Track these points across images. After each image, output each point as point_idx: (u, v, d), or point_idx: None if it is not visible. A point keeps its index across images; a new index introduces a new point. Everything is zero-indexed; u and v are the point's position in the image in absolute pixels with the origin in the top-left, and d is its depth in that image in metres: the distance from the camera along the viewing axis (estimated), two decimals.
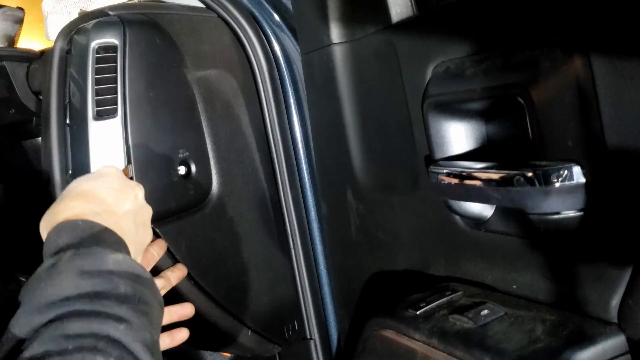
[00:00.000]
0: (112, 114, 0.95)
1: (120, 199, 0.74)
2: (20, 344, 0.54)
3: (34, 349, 0.53)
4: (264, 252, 1.22)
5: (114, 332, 0.56)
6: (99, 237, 0.66)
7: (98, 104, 0.95)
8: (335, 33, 1.06)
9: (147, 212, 0.81)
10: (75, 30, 1.02)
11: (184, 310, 0.97)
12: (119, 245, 0.68)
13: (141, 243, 0.78)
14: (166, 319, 0.95)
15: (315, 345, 1.28)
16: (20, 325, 0.56)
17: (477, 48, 0.80)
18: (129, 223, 0.74)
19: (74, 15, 1.20)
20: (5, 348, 0.55)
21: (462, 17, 0.83)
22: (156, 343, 0.61)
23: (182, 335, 0.95)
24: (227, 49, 1.21)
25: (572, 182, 0.68)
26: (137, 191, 0.79)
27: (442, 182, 0.85)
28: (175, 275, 0.97)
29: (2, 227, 1.25)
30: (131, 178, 0.94)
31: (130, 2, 1.17)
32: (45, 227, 0.68)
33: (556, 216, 0.71)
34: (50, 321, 0.55)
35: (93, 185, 0.74)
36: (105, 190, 0.74)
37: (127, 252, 0.70)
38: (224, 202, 1.12)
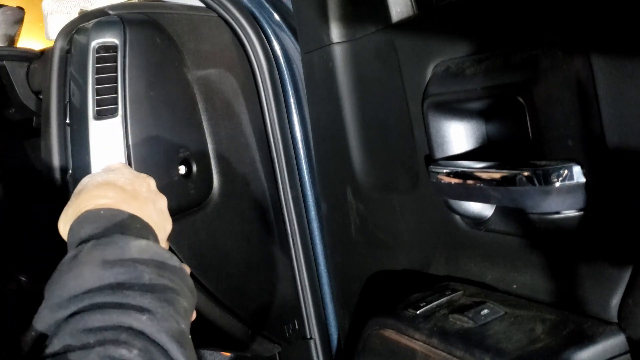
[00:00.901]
0: (112, 113, 0.95)
1: (137, 187, 0.73)
2: (43, 340, 0.53)
3: (55, 345, 0.52)
4: (264, 251, 1.22)
5: (137, 323, 0.54)
6: (123, 225, 0.64)
7: (98, 103, 0.95)
8: (336, 33, 1.06)
9: (164, 199, 0.79)
10: (75, 30, 1.02)
11: None
12: (145, 231, 0.66)
13: (164, 229, 0.76)
14: None
15: (315, 345, 1.28)
16: (42, 321, 0.55)
17: (477, 47, 0.80)
18: (151, 208, 0.72)
19: (74, 14, 1.20)
20: (28, 345, 0.54)
21: (462, 17, 0.83)
22: (184, 332, 0.59)
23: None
24: (227, 48, 1.21)
25: (572, 181, 0.68)
26: (149, 180, 0.79)
27: (442, 181, 0.85)
28: None
29: (2, 227, 1.25)
30: None
31: (130, 1, 1.17)
32: (67, 221, 0.66)
33: (556, 216, 0.71)
34: (72, 315, 0.54)
35: (108, 177, 0.73)
36: (122, 179, 0.73)
37: (155, 237, 0.68)
38: (224, 201, 1.12)
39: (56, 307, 0.55)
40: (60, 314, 0.54)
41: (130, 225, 0.65)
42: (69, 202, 0.69)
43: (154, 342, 0.54)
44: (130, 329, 0.53)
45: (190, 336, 0.60)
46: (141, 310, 0.56)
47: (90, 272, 0.57)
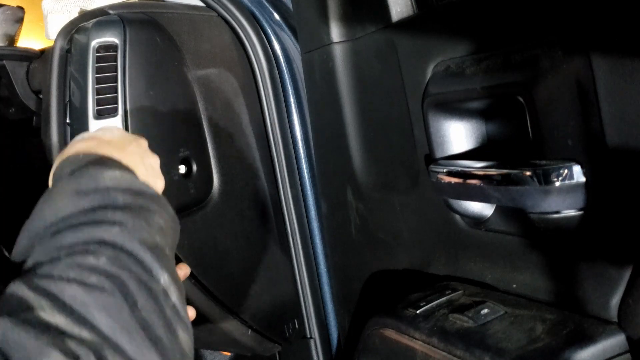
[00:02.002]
0: (112, 113, 0.95)
1: (125, 142, 0.71)
2: (19, 266, 0.53)
3: (27, 263, 0.52)
4: (264, 251, 1.22)
5: (107, 235, 0.53)
6: (101, 162, 0.63)
7: (98, 103, 0.95)
8: (336, 32, 1.06)
9: (155, 158, 0.76)
10: (75, 29, 1.02)
11: None
12: (121, 167, 0.64)
13: (154, 184, 0.72)
14: None
15: (316, 344, 1.28)
16: (18, 252, 0.55)
17: (477, 47, 0.80)
18: (136, 161, 0.70)
19: (74, 14, 1.20)
20: (3, 274, 0.54)
21: (462, 16, 0.83)
22: (159, 245, 0.57)
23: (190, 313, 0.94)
24: (227, 48, 1.21)
25: (572, 181, 0.68)
26: (141, 140, 0.76)
27: (442, 181, 0.85)
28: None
29: (2, 227, 1.25)
30: None
31: (130, 1, 1.17)
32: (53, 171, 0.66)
33: (556, 215, 0.71)
34: (46, 238, 0.54)
35: (96, 133, 0.72)
36: (109, 135, 0.71)
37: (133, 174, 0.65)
38: (224, 201, 1.12)
39: (33, 237, 0.55)
40: (35, 241, 0.54)
41: (108, 162, 0.63)
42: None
43: (124, 250, 0.53)
44: (100, 241, 0.53)
45: (170, 255, 0.59)
46: (112, 223, 0.55)
47: (66, 201, 0.57)
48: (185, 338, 0.54)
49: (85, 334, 0.46)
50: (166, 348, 0.51)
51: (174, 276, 0.57)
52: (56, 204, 0.57)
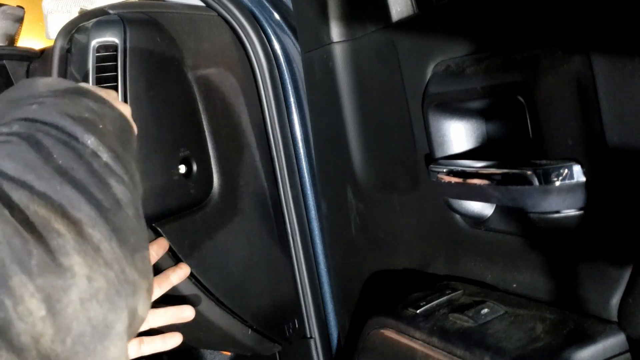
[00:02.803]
0: None
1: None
2: None
3: None
4: (264, 250, 1.22)
5: (24, 113, 0.50)
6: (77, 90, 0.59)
7: None
8: (336, 32, 1.06)
9: (127, 108, 0.72)
10: (75, 29, 1.02)
11: (182, 313, 0.96)
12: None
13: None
14: (165, 321, 0.95)
15: (316, 344, 1.28)
16: None
17: (477, 47, 0.80)
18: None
19: (74, 14, 1.20)
20: None
21: (462, 16, 0.83)
22: (90, 120, 0.53)
23: (174, 340, 0.94)
24: (227, 47, 1.21)
25: (572, 180, 0.68)
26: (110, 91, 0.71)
27: (442, 180, 0.85)
28: (176, 274, 0.97)
29: None
30: None
31: (130, 0, 1.17)
32: None
33: (556, 215, 0.71)
34: None
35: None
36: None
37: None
38: (224, 200, 1.12)
39: None
40: None
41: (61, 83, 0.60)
42: None
43: (40, 120, 0.49)
44: (17, 119, 0.50)
45: (112, 138, 0.54)
46: (30, 104, 0.52)
47: None
48: (121, 189, 0.50)
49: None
50: (87, 189, 0.47)
51: (108, 145, 0.52)
52: None
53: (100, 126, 0.54)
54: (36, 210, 0.42)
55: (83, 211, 0.45)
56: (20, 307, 0.38)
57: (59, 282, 0.40)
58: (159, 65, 1.03)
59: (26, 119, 0.50)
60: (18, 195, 0.42)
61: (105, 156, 0.50)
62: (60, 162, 0.46)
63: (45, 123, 0.49)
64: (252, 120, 1.22)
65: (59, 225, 0.42)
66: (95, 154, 0.50)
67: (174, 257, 1.01)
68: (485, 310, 0.78)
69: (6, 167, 0.44)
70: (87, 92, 0.58)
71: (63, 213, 0.43)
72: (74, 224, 0.44)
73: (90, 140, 0.50)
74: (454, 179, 0.83)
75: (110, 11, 1.02)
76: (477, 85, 0.79)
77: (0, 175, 0.43)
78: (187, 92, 1.08)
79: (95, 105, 0.56)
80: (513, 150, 0.82)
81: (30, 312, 0.38)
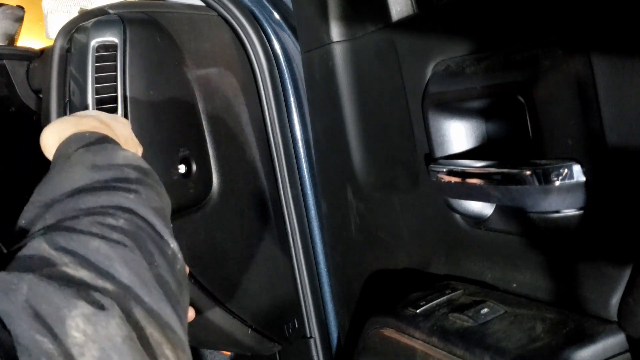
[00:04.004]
0: (111, 112, 0.95)
1: (111, 124, 0.76)
2: (25, 232, 0.54)
3: (47, 220, 0.53)
4: (264, 250, 1.22)
5: (124, 201, 0.56)
6: (107, 140, 0.67)
7: (98, 102, 0.95)
8: (335, 31, 1.06)
9: (137, 143, 0.82)
10: (75, 29, 1.02)
11: None
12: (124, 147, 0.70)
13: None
14: None
15: (315, 344, 1.28)
16: (25, 219, 0.56)
17: (477, 46, 0.80)
18: (129, 142, 0.76)
19: (74, 13, 1.20)
20: (14, 236, 0.55)
21: (462, 16, 0.83)
22: (168, 219, 0.61)
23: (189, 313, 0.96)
24: (227, 47, 1.21)
25: (572, 180, 0.68)
26: (117, 117, 0.81)
27: (442, 180, 0.85)
28: None
29: (2, 226, 1.25)
30: None
31: (130, 0, 1.17)
32: (52, 144, 0.68)
33: (556, 215, 0.71)
34: (62, 202, 0.56)
35: (86, 113, 0.77)
36: (95, 119, 0.75)
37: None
38: (224, 200, 1.12)
39: (45, 203, 0.56)
40: (46, 208, 0.55)
41: (112, 141, 0.68)
42: (50, 128, 0.71)
43: (139, 215, 0.56)
44: (117, 206, 0.55)
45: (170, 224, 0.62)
46: (128, 191, 0.58)
47: (81, 173, 0.59)
48: (187, 302, 0.57)
49: (108, 285, 0.48)
50: (178, 304, 0.53)
51: (178, 246, 0.60)
52: (73, 176, 0.59)
53: (167, 215, 0.63)
54: (152, 332, 0.48)
55: (177, 333, 0.51)
56: None
57: None
58: (159, 64, 1.03)
59: (130, 211, 0.56)
60: (137, 312, 0.48)
61: (180, 263, 0.58)
62: (160, 271, 0.53)
63: (144, 219, 0.56)
64: (252, 120, 1.22)
65: (168, 351, 0.49)
66: (175, 257, 0.58)
67: None
68: (485, 310, 0.78)
69: (124, 276, 0.50)
70: (154, 175, 0.66)
71: (167, 337, 0.49)
72: (175, 349, 0.50)
73: (173, 244, 0.58)
74: (453, 179, 0.83)
75: (110, 11, 1.02)
76: (477, 85, 0.79)
77: (119, 284, 0.49)
78: (186, 91, 1.08)
79: (165, 197, 0.65)
80: (513, 150, 0.82)
81: None
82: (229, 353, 1.56)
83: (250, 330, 1.18)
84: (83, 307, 0.44)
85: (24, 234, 0.54)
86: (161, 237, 0.57)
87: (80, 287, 0.46)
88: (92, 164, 0.60)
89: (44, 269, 0.46)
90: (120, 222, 0.54)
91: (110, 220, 0.53)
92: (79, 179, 0.58)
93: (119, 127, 0.77)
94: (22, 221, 0.56)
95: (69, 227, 0.51)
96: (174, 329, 0.51)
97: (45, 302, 0.43)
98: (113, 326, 0.44)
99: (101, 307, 0.45)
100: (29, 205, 0.57)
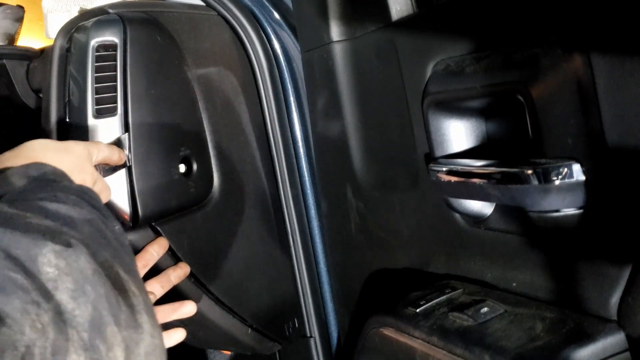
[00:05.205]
0: (112, 112, 0.95)
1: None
2: None
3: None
4: (264, 250, 1.22)
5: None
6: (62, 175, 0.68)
7: (98, 102, 0.95)
8: (335, 31, 1.06)
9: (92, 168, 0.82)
10: (75, 29, 1.02)
11: (184, 308, 0.97)
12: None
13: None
14: (167, 317, 0.95)
15: (315, 343, 1.28)
16: None
17: (477, 46, 0.80)
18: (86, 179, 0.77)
19: (74, 13, 1.20)
20: None
21: (462, 15, 0.83)
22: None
23: (178, 335, 0.96)
24: (227, 46, 1.21)
25: (571, 179, 0.68)
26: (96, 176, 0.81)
27: (442, 180, 0.85)
28: (176, 274, 0.97)
29: None
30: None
31: None
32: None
33: (556, 214, 0.71)
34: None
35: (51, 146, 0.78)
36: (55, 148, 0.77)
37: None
38: (224, 200, 1.12)
39: None
40: None
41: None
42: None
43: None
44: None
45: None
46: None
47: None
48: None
49: (73, 232, 0.50)
50: (133, 262, 0.57)
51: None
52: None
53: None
54: (118, 271, 0.51)
55: (139, 280, 0.54)
56: (111, 353, 0.46)
57: (135, 336, 0.48)
58: (159, 64, 1.03)
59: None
60: (102, 254, 0.51)
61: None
62: (115, 234, 0.58)
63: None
64: (252, 120, 1.22)
65: (134, 288, 0.51)
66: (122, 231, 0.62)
67: (173, 257, 1.01)
68: (485, 309, 0.78)
69: (85, 231, 0.53)
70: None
71: (132, 277, 0.52)
72: (140, 289, 0.52)
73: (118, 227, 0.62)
74: (453, 178, 0.83)
75: (110, 10, 1.02)
76: (477, 84, 0.79)
77: (83, 234, 0.51)
78: (187, 91, 1.08)
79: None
80: (513, 149, 0.82)
81: (116, 359, 0.46)
82: (229, 352, 1.56)
83: (250, 329, 1.18)
84: (53, 245, 0.46)
85: None
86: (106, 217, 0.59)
87: (47, 232, 0.48)
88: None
89: (10, 221, 0.48)
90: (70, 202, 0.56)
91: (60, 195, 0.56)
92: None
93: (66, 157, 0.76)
94: None
95: (25, 197, 0.54)
96: (136, 274, 0.53)
97: (14, 245, 0.45)
98: (82, 260, 0.47)
99: (69, 244, 0.47)
100: None
